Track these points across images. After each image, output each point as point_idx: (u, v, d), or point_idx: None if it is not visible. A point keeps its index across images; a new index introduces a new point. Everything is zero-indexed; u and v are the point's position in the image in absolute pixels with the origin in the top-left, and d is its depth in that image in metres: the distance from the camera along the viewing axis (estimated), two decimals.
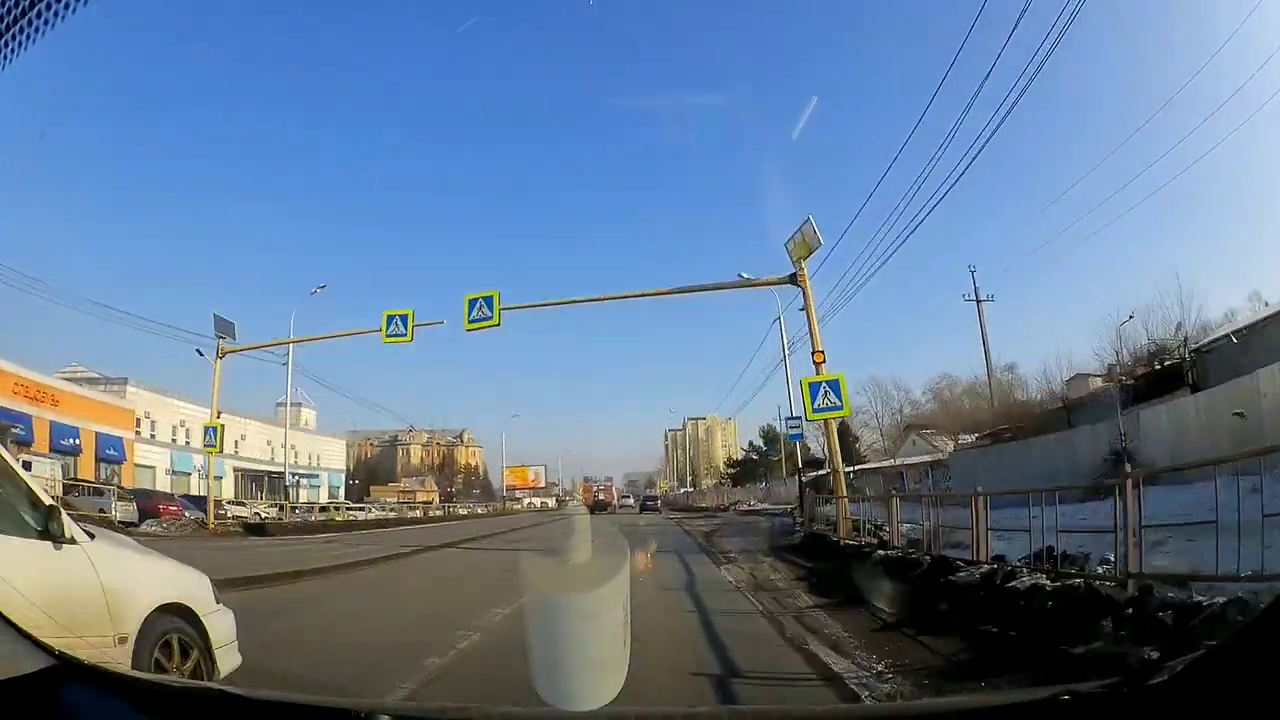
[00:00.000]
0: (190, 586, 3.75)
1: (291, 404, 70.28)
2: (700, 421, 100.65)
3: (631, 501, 64.55)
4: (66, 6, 2.91)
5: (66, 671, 1.93)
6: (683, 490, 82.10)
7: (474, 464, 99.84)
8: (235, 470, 55.73)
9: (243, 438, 56.59)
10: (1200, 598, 4.38)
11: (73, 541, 3.03)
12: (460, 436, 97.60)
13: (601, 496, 63.59)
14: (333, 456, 65.56)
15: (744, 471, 62.73)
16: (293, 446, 61.96)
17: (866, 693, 4.40)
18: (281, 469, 59.10)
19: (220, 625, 3.79)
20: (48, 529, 2.92)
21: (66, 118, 69.68)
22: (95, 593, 3.01)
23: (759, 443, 62.46)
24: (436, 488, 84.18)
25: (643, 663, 3.28)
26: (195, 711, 1.89)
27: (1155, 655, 3.73)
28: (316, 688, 3.93)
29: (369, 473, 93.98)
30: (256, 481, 56.01)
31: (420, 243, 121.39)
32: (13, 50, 2.96)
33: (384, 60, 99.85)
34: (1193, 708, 1.40)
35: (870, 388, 63.81)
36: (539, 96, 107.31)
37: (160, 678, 2.57)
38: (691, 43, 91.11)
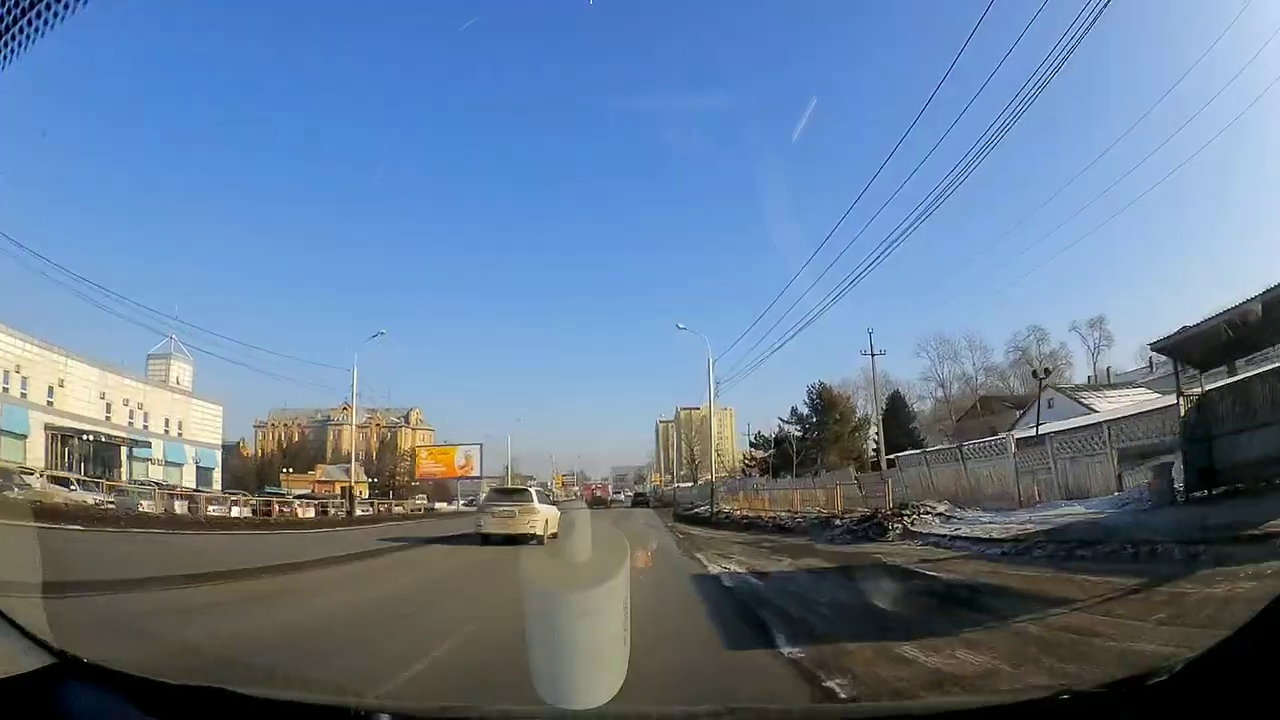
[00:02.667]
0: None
1: (159, 355, 53.60)
2: (695, 411, 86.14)
3: (623, 498, 73.01)
4: (66, 6, 3.03)
5: (67, 670, 2.00)
6: (675, 485, 65.04)
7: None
8: (47, 429, 38.28)
9: (60, 383, 39.25)
10: None
11: (552, 503, 19.83)
12: (406, 417, 79.88)
13: (599, 494, 74.20)
14: (205, 427, 48.25)
15: (785, 456, 43.74)
16: (139, 405, 44.95)
17: None
18: (121, 434, 42.21)
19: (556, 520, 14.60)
20: (548, 502, 18.49)
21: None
22: (555, 512, 15.17)
23: (804, 410, 45.58)
24: (367, 477, 65.63)
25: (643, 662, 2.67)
26: (195, 710, 1.92)
27: (1155, 655, 3.64)
28: (316, 686, 3.96)
29: (291, 457, 77.31)
30: (70, 446, 38.63)
31: (417, 239, 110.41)
32: (13, 50, 3.04)
33: (384, 59, 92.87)
34: (1193, 707, 1.37)
35: (935, 346, 47.86)
36: (537, 95, 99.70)
37: (160, 676, 2.15)
38: (691, 42, 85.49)
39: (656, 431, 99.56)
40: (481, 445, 65.10)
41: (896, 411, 44.76)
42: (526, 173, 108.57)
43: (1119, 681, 1.64)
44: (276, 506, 34.21)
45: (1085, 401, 28.34)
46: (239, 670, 4.06)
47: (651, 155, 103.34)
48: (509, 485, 33.12)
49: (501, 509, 15.00)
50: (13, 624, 2.04)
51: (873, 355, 33.90)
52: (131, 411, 44.12)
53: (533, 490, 17.13)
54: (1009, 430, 27.02)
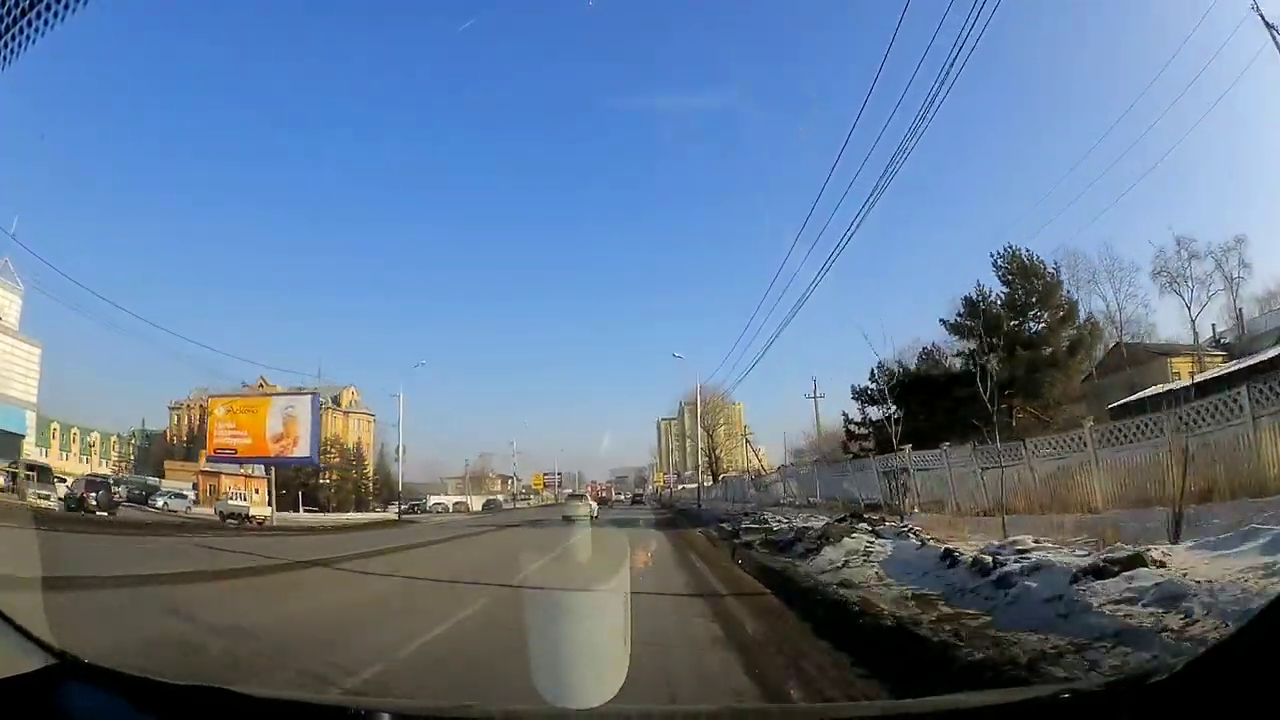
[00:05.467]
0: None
1: None
2: (705, 401, 76.68)
3: (624, 499, 77.43)
4: (66, 6, 2.93)
5: (66, 670, 1.95)
6: (697, 485, 51.37)
7: (356, 440, 66.29)
8: None
9: None
10: None
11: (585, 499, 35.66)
12: (336, 398, 64.78)
13: (604, 495, 79.09)
14: (12, 377, 33.66)
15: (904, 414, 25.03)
16: None
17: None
18: None
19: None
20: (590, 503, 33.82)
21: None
22: (595, 504, 35.99)
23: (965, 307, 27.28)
24: (266, 473, 44.68)
25: (644, 661, 3.20)
26: (195, 710, 1.86)
27: (1155, 655, 3.56)
28: (316, 686, 3.93)
29: (192, 443, 62.45)
30: None
31: (417, 239, 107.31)
32: (13, 50, 2.94)
33: (385, 59, 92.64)
34: (1193, 708, 1.37)
35: (1065, 262, 33.31)
36: (536, 96, 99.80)
37: (160, 677, 2.11)
38: (691, 42, 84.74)
39: (658, 429, 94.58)
40: (315, 395, 39.43)
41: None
42: (524, 172, 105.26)
43: (1119, 681, 1.63)
44: None
45: None
46: (242, 671, 4.06)
47: (652, 154, 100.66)
48: (576, 492, 47.14)
49: (574, 503, 32.01)
50: (13, 624, 2.01)
51: None
52: None
53: (585, 493, 43.48)
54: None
